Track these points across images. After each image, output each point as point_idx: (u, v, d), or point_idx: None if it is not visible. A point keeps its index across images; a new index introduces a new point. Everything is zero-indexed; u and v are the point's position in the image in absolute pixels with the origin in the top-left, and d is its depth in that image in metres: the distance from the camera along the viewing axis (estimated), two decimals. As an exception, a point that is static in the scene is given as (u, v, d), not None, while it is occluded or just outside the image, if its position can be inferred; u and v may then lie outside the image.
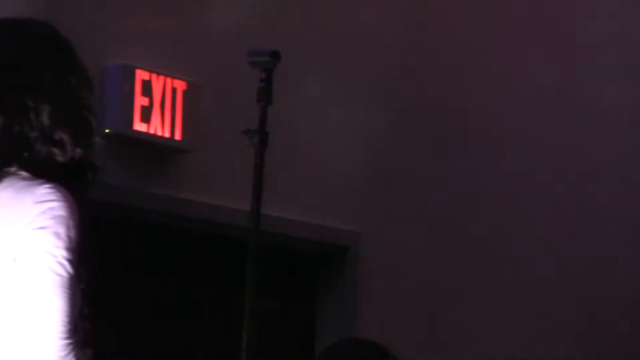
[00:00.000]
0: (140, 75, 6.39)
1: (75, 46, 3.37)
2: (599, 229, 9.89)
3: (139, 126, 6.30)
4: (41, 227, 2.92)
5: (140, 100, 6.36)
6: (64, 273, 2.90)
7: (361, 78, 8.21)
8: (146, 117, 6.35)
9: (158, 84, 6.47)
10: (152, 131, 6.38)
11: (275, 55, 4.63)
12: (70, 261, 2.89)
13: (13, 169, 2.94)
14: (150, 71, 6.45)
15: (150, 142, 6.43)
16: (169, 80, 6.48)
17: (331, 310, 8.00)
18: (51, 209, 2.93)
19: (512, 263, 9.29)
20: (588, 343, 9.37)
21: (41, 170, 2.95)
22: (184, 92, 6.53)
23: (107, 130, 5.93)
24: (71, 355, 2.82)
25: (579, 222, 9.78)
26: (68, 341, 2.83)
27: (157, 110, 6.40)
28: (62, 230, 3.04)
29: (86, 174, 3.07)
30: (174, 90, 6.57)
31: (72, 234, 2.93)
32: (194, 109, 6.54)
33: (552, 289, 9.55)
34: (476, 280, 8.94)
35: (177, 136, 6.46)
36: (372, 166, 8.47)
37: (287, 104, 6.05)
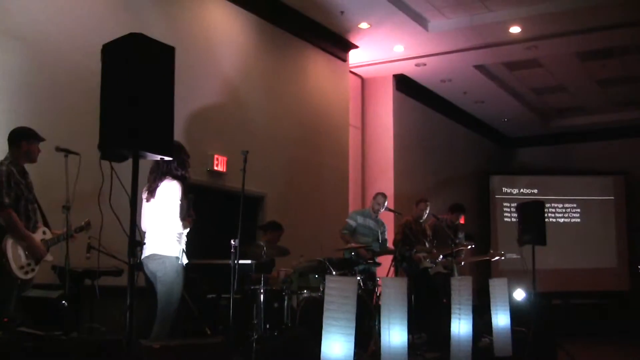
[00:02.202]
0: None
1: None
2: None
3: None
4: (173, 190, 6.12)
5: None
6: (178, 201, 6.07)
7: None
8: None
9: None
10: None
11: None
12: (181, 200, 6.08)
13: (168, 177, 6.24)
14: None
15: None
16: None
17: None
18: (176, 186, 6.12)
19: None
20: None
21: (175, 178, 6.23)
22: None
23: None
24: (182, 223, 6.18)
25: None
26: (182, 219, 6.16)
27: None
28: (178, 191, 6.08)
29: (187, 179, 6.35)
30: None
31: (180, 192, 6.12)
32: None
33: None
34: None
35: None
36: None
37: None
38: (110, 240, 5.53)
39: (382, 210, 9.96)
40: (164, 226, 6.04)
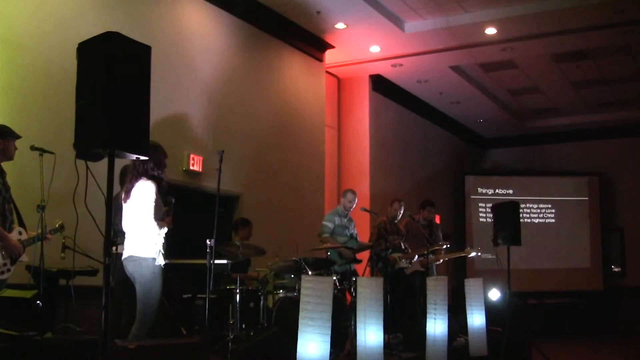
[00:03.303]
0: None
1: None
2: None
3: None
4: (147, 190, 6.11)
5: None
6: (153, 202, 5.92)
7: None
8: None
9: None
10: None
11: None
12: (155, 200, 6.22)
13: (143, 178, 6.13)
14: None
15: None
16: None
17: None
18: (150, 186, 6.33)
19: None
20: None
21: (150, 178, 6.09)
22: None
23: None
24: (158, 224, 6.03)
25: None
26: (158, 220, 6.11)
27: None
28: (153, 192, 6.25)
29: (161, 179, 6.48)
30: None
31: (155, 193, 5.98)
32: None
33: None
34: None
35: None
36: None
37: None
38: (86, 240, 5.52)
39: (354, 206, 9.98)
40: (139, 227, 5.98)
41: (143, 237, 5.94)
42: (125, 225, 6.09)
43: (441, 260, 10.67)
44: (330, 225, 9.74)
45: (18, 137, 6.10)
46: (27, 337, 4.71)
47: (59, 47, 7.69)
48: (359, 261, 9.61)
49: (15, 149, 6.08)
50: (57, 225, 6.28)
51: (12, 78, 7.39)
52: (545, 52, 13.49)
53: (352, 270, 9.36)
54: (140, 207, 5.95)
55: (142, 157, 4.22)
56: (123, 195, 6.10)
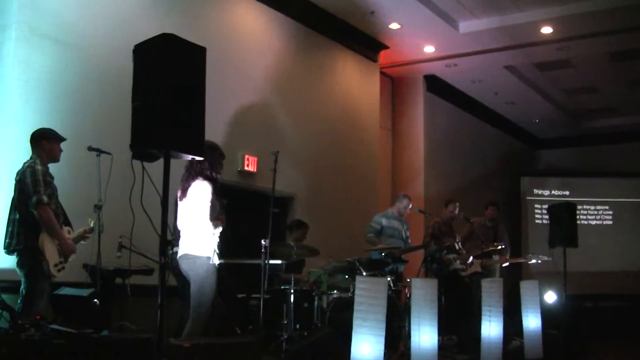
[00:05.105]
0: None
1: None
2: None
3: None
4: (204, 190, 6.30)
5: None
6: (208, 202, 5.97)
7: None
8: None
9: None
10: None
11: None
12: (211, 200, 6.20)
13: (200, 178, 6.18)
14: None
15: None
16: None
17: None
18: (207, 186, 6.36)
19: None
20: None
21: (206, 178, 6.17)
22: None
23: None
24: (213, 224, 6.11)
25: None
26: (213, 220, 6.12)
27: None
28: (209, 192, 6.32)
29: (217, 180, 6.50)
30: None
31: (210, 192, 6.05)
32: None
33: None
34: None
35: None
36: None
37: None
38: (142, 239, 5.58)
39: (408, 211, 9.95)
40: (195, 226, 5.99)
41: (198, 236, 5.97)
42: (180, 223, 6.12)
43: (504, 265, 10.53)
44: (375, 226, 9.74)
45: (63, 139, 6.27)
46: (83, 335, 4.75)
47: (115, 48, 7.77)
48: (405, 261, 9.57)
49: (61, 151, 6.25)
50: (91, 225, 6.35)
51: (69, 80, 7.51)
52: (602, 51, 13.20)
53: (399, 271, 9.31)
54: (196, 206, 5.99)
55: (197, 158, 4.21)
56: (179, 194, 6.13)
